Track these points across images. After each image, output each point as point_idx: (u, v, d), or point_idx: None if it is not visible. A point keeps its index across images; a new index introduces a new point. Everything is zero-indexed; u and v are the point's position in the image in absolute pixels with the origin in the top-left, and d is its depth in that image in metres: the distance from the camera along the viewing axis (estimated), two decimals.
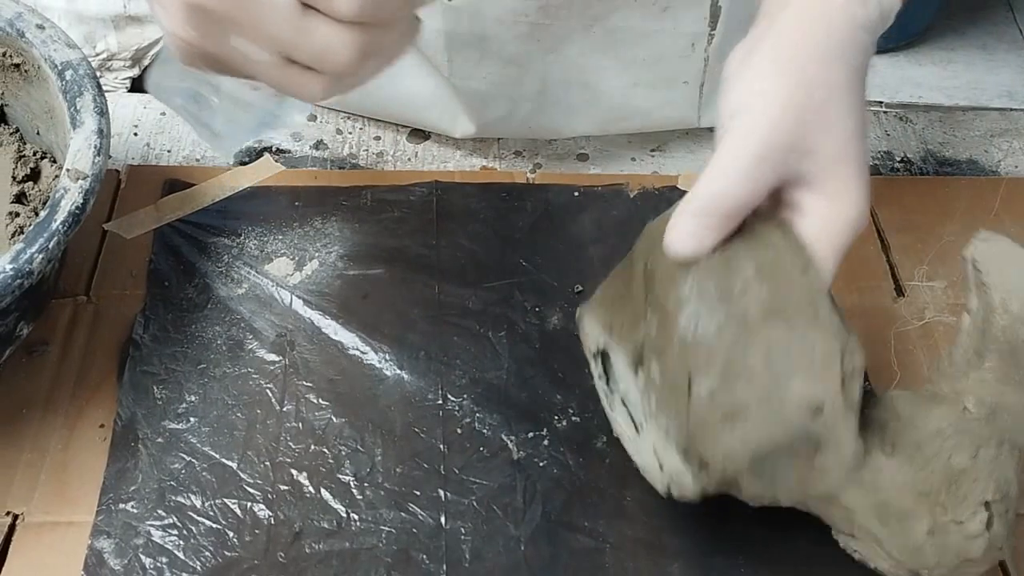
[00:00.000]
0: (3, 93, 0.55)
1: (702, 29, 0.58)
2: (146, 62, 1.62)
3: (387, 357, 0.52)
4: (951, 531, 0.40)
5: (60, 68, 0.50)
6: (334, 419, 0.49)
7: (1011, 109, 0.77)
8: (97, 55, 1.52)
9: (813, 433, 0.38)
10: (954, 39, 1.19)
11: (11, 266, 0.42)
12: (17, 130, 0.55)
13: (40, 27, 0.51)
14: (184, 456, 0.47)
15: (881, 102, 0.71)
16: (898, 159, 0.65)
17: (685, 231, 0.38)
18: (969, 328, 0.43)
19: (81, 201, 0.45)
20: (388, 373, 0.51)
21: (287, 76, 0.38)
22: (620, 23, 0.57)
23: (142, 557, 0.44)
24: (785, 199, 0.40)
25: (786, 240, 0.39)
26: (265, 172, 0.60)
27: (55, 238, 0.44)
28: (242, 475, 0.47)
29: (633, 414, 0.43)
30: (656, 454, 0.41)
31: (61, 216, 0.44)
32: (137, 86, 1.00)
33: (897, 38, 1.06)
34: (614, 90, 0.61)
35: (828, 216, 0.39)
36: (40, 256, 0.43)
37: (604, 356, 0.45)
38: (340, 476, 0.47)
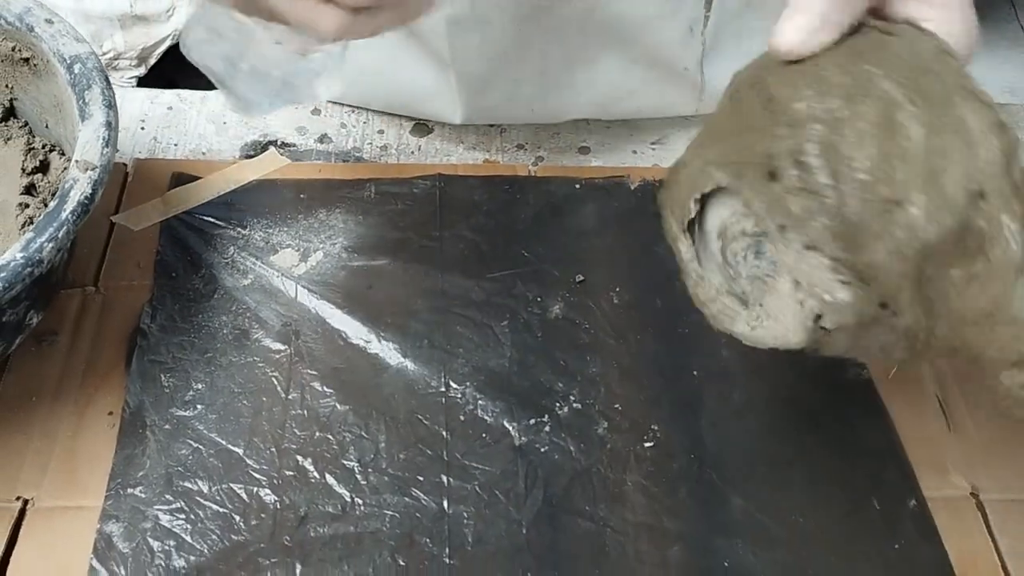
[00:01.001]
0: (13, 87, 0.56)
1: (699, 13, 0.59)
2: (152, 61, 1.63)
3: (391, 346, 0.52)
4: None
5: (69, 62, 0.51)
6: (338, 406, 0.50)
7: (1012, 105, 0.77)
8: (104, 54, 1.53)
9: (975, 225, 0.34)
10: None
11: (22, 255, 0.43)
12: (26, 124, 0.56)
13: (49, 21, 0.52)
14: (191, 442, 0.48)
15: None
16: None
17: (796, 27, 0.36)
18: None
19: (90, 191, 0.46)
20: (392, 361, 0.52)
21: (301, 6, 0.38)
22: (621, 7, 0.58)
23: (150, 540, 0.45)
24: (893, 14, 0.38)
25: (911, 31, 0.37)
26: (270, 165, 0.61)
27: (64, 227, 0.44)
28: (248, 461, 0.48)
29: (758, 267, 0.39)
30: (796, 291, 0.37)
31: (70, 206, 0.45)
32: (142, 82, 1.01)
33: None
34: (614, 70, 0.61)
35: (946, 21, 0.37)
36: (50, 245, 0.44)
37: (692, 227, 0.41)
38: (344, 462, 0.48)
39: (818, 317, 0.37)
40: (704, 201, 0.39)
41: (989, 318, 0.36)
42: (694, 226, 0.40)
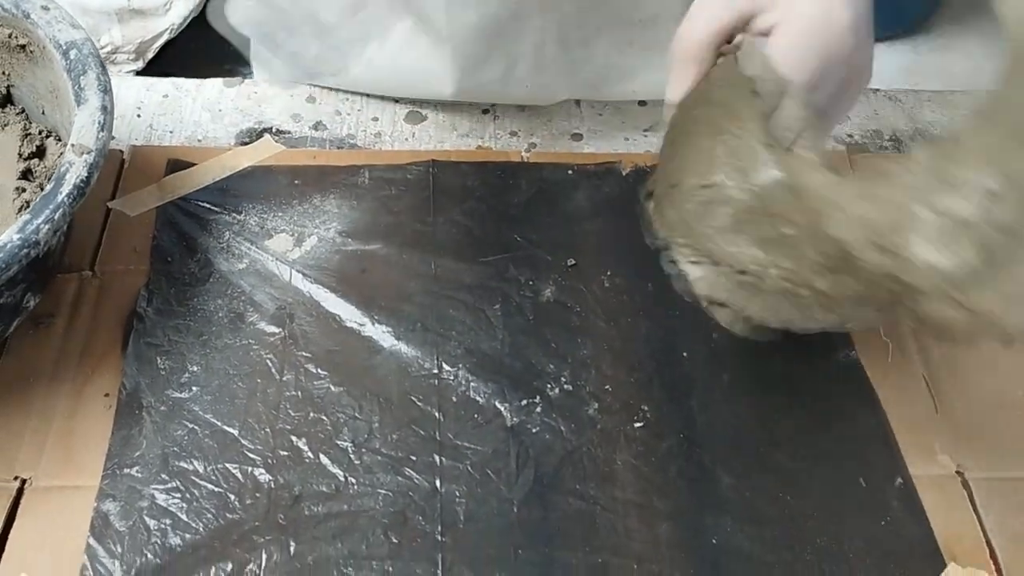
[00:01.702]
0: (9, 74, 0.56)
1: None
2: (150, 55, 1.63)
3: (384, 329, 0.53)
4: None
5: (65, 48, 0.51)
6: (332, 388, 0.50)
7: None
8: (101, 48, 1.53)
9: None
10: (952, 27, 1.19)
11: (18, 236, 0.44)
12: (23, 110, 0.57)
13: (45, 8, 0.53)
14: (187, 423, 0.49)
15: (878, 89, 0.72)
16: (887, 137, 0.66)
17: (670, 80, 0.46)
18: None
19: (86, 174, 0.46)
20: (385, 344, 0.52)
21: None
22: None
23: (146, 519, 0.45)
24: (754, 30, 0.44)
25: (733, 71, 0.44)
26: (265, 152, 0.61)
27: (60, 210, 0.45)
28: (243, 441, 0.48)
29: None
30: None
31: (66, 189, 0.46)
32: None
33: (896, 26, 1.07)
34: (608, 49, 0.62)
35: (781, 26, 0.43)
36: (46, 227, 0.44)
37: None
38: (338, 442, 0.48)
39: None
40: None
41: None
42: None
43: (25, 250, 0.44)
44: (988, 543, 0.46)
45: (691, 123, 0.45)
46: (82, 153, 0.47)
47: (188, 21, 1.50)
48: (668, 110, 0.47)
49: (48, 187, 0.46)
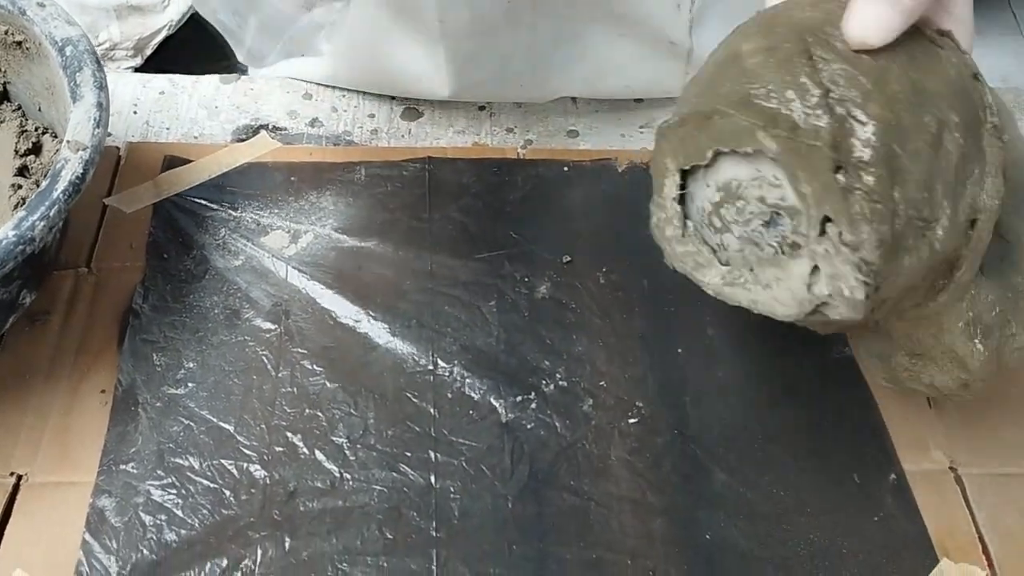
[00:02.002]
0: (6, 71, 0.56)
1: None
2: (148, 51, 1.63)
3: (380, 325, 0.53)
4: (1006, 347, 0.42)
5: (60, 44, 0.51)
6: (328, 384, 0.50)
7: (1003, 90, 0.78)
8: (100, 45, 1.53)
9: (960, 252, 0.39)
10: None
11: (13, 232, 0.44)
12: (19, 107, 0.57)
13: (41, 5, 0.53)
14: (183, 420, 0.49)
15: None
16: None
17: (877, 18, 0.37)
18: None
19: (81, 171, 0.46)
20: (380, 340, 0.52)
21: None
22: None
23: (142, 515, 0.45)
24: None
25: (949, 44, 0.39)
26: (261, 148, 0.61)
27: (56, 206, 0.45)
28: (239, 437, 0.48)
29: (761, 235, 0.40)
30: (811, 275, 0.38)
31: (62, 185, 0.46)
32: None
33: None
34: (600, 44, 0.62)
35: (960, 35, 0.40)
36: (41, 224, 0.44)
37: (686, 176, 0.42)
38: (334, 438, 0.49)
39: (820, 304, 0.38)
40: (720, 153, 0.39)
41: (925, 318, 0.41)
42: (693, 169, 0.41)
43: (21, 247, 0.44)
44: (981, 539, 0.47)
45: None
46: (78, 150, 0.47)
47: (186, 17, 1.50)
48: None
49: (44, 183, 0.46)
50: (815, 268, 0.38)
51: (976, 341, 0.41)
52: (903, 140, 0.36)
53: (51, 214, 0.45)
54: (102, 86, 0.50)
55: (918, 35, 0.38)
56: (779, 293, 0.39)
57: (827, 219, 0.36)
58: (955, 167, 0.37)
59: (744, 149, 0.38)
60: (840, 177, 0.35)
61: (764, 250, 0.39)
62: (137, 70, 1.50)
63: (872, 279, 0.36)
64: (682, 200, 0.42)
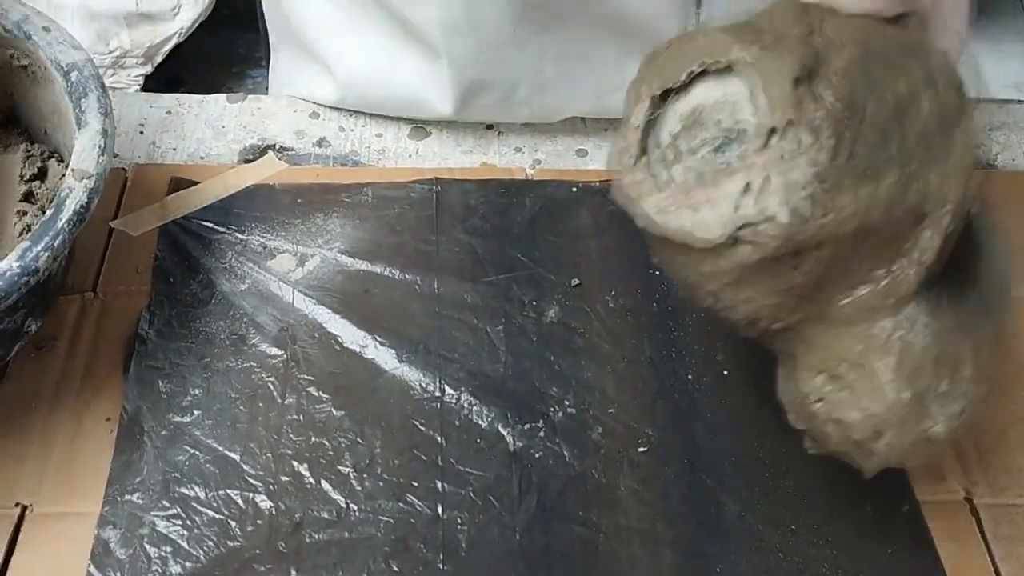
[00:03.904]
0: (12, 94, 0.56)
1: (691, 9, 0.59)
2: (158, 59, 1.63)
3: (386, 351, 0.53)
4: (933, 403, 0.40)
5: (66, 69, 0.51)
6: (334, 412, 0.50)
7: (1015, 101, 0.77)
8: (110, 52, 1.53)
9: (904, 233, 0.38)
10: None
11: (18, 264, 0.43)
12: (26, 130, 0.57)
13: (46, 29, 0.53)
14: (188, 448, 0.48)
15: None
16: None
17: None
18: None
19: (85, 200, 0.46)
20: (387, 366, 0.52)
21: None
22: (613, 3, 0.58)
23: (147, 547, 0.45)
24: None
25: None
26: (268, 170, 0.61)
27: (60, 236, 0.45)
28: (244, 467, 0.48)
29: (706, 161, 0.40)
30: (742, 195, 0.37)
31: (66, 215, 0.45)
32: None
33: None
34: (608, 62, 0.61)
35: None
36: (46, 254, 0.44)
37: (661, 100, 0.41)
38: (340, 467, 0.48)
39: (742, 228, 0.37)
40: (694, 78, 0.40)
41: (852, 322, 0.40)
42: (666, 97, 0.41)
43: (25, 278, 0.44)
44: (996, 571, 0.46)
45: None
46: (82, 178, 0.47)
47: (197, 25, 1.50)
48: None
49: (48, 213, 0.45)
50: (747, 187, 0.37)
51: (900, 373, 0.39)
52: (870, 87, 0.37)
53: (55, 244, 0.45)
54: (107, 112, 0.50)
55: (912, 29, 0.40)
56: (706, 215, 0.38)
57: (773, 131, 0.37)
58: (915, 137, 0.38)
59: (717, 62, 0.39)
60: (801, 89, 0.37)
61: (705, 176, 0.39)
62: (147, 77, 1.50)
63: (813, 195, 0.36)
64: (644, 135, 0.41)
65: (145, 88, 1.45)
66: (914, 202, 0.38)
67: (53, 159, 0.54)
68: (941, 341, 0.40)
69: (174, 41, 1.50)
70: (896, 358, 0.39)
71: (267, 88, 0.75)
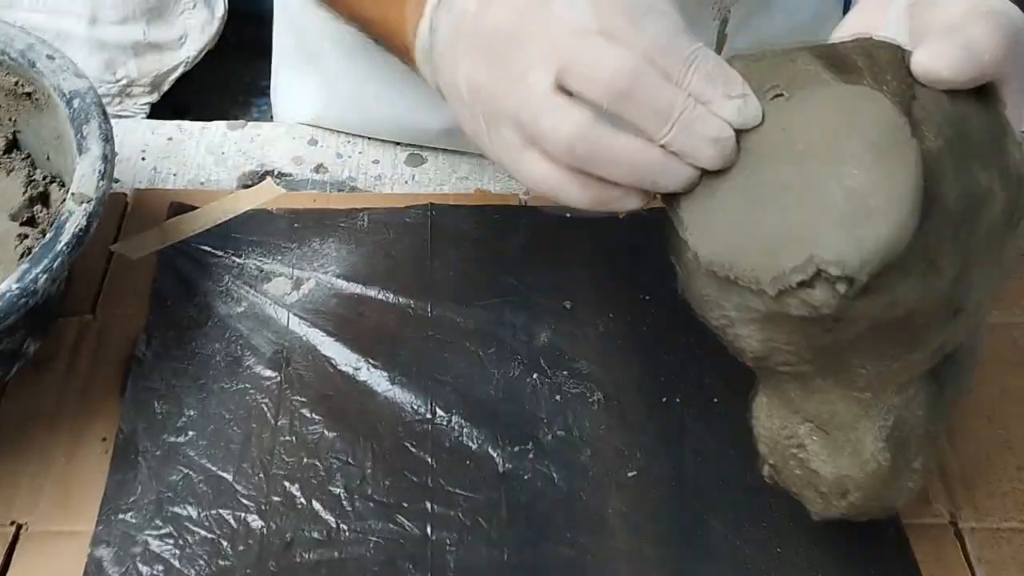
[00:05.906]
0: (16, 120, 0.57)
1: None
2: (165, 87, 1.64)
3: (379, 373, 0.53)
4: (903, 476, 0.41)
5: (68, 96, 0.52)
6: (326, 433, 0.51)
7: None
8: (117, 81, 1.55)
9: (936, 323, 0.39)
10: None
11: (17, 286, 0.44)
12: (29, 155, 0.58)
13: (50, 57, 0.54)
14: (182, 468, 0.49)
15: None
16: None
17: (952, 58, 0.37)
18: None
19: (85, 224, 0.47)
20: (379, 389, 0.53)
21: None
22: None
23: (139, 565, 0.46)
24: None
25: None
26: (266, 195, 0.62)
27: (59, 259, 0.46)
28: (237, 487, 0.49)
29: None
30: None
31: (65, 238, 0.46)
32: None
33: None
34: None
35: None
36: (44, 276, 0.45)
37: None
38: (331, 488, 0.49)
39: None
40: None
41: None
42: None
43: (24, 299, 0.44)
44: None
45: None
46: (82, 202, 0.48)
47: (203, 54, 1.53)
48: None
49: (48, 236, 0.46)
50: None
51: (887, 444, 0.40)
52: (955, 176, 0.36)
53: (54, 266, 0.45)
54: (108, 138, 0.51)
55: (992, 102, 0.38)
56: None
57: None
58: (983, 234, 0.37)
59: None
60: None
61: None
62: (154, 106, 1.52)
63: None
64: None
65: (151, 116, 1.47)
66: (959, 298, 0.38)
67: (55, 184, 0.56)
68: (928, 419, 0.41)
69: (181, 70, 1.52)
70: (888, 431, 0.40)
71: (271, 116, 0.77)
